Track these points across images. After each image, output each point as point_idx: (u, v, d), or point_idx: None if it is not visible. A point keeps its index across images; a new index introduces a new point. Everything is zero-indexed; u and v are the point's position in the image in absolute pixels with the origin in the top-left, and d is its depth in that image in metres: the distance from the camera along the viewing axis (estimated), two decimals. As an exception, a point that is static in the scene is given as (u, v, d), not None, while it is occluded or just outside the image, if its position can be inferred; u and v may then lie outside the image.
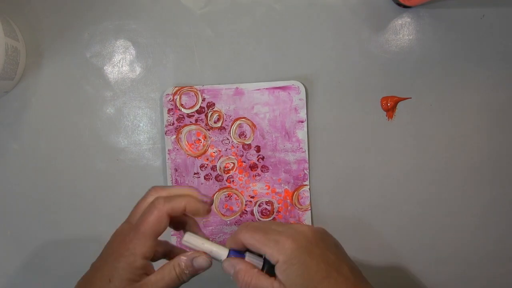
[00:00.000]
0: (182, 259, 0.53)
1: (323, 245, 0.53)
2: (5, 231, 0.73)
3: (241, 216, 0.72)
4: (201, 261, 0.54)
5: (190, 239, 0.54)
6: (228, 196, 0.72)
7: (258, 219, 0.72)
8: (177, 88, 0.72)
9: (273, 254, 0.51)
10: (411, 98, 0.72)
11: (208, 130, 0.72)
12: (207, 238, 0.54)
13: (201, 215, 0.55)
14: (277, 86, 0.71)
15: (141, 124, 0.73)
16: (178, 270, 0.53)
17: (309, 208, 0.71)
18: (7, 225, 0.73)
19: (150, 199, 0.54)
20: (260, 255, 0.53)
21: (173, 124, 0.71)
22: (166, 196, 0.54)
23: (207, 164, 0.72)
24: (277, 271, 0.51)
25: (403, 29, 0.72)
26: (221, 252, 0.53)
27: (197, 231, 0.56)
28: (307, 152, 0.71)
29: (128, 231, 0.53)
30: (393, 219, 0.73)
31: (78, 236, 0.73)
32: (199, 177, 0.72)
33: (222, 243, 0.54)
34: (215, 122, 0.72)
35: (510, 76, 0.71)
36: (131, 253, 0.51)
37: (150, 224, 0.52)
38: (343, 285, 0.51)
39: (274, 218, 0.72)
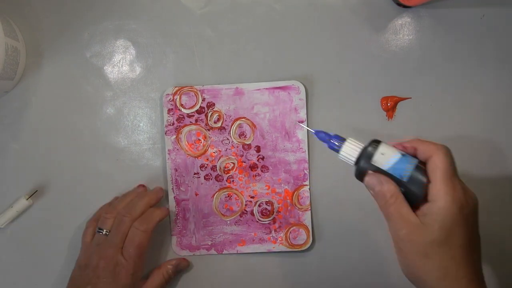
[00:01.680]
0: (169, 267, 0.70)
1: (476, 219, 0.50)
2: (5, 231, 0.73)
3: (241, 216, 0.72)
4: (183, 264, 0.72)
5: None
6: (228, 196, 0.72)
7: (258, 220, 0.72)
8: (177, 88, 0.72)
9: (440, 191, 0.49)
10: (411, 98, 0.72)
11: (208, 130, 0.72)
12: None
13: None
14: (277, 86, 0.71)
15: (141, 124, 0.73)
16: (166, 276, 0.70)
17: (309, 208, 0.71)
18: (7, 225, 0.72)
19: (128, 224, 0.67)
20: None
21: (173, 124, 0.71)
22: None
23: (207, 164, 0.72)
24: (431, 210, 0.49)
25: (403, 29, 0.72)
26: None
27: None
28: (307, 152, 0.71)
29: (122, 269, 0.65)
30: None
31: (78, 236, 0.73)
32: (199, 177, 0.72)
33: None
34: (215, 122, 0.72)
35: (510, 76, 0.71)
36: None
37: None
38: (472, 266, 0.49)
39: (274, 218, 0.72)
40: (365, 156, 0.51)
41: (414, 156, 0.52)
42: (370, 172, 0.52)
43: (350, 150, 0.52)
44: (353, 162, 0.53)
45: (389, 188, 0.50)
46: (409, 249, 0.50)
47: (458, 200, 0.48)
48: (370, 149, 0.51)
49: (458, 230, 0.48)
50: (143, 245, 0.66)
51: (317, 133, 0.55)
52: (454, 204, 0.48)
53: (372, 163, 0.51)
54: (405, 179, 0.50)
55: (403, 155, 0.51)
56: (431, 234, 0.48)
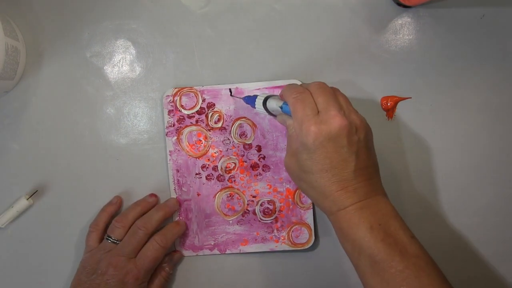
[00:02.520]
0: (164, 265, 0.71)
1: (344, 140, 0.57)
2: (5, 231, 0.73)
3: (243, 216, 0.72)
4: (176, 257, 0.72)
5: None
6: (230, 196, 0.72)
7: (260, 219, 0.72)
8: (177, 89, 0.72)
9: (296, 129, 0.59)
10: (411, 98, 0.72)
11: (209, 130, 0.72)
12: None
13: None
14: (277, 85, 0.71)
15: (141, 124, 0.73)
16: (165, 275, 0.71)
17: (311, 207, 0.72)
18: (8, 225, 0.72)
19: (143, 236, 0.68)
20: None
21: (173, 125, 0.72)
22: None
23: (208, 165, 0.72)
24: (298, 144, 0.59)
25: (403, 29, 0.72)
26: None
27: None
28: (307, 151, 0.72)
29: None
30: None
31: (78, 236, 0.73)
32: (201, 177, 0.72)
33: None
34: (215, 123, 0.72)
35: (510, 76, 0.72)
36: None
37: None
38: (337, 183, 0.57)
39: (276, 218, 0.72)
40: (266, 108, 0.66)
41: None
42: (278, 114, 0.65)
43: (259, 108, 0.66)
44: (265, 113, 0.67)
45: (289, 122, 0.62)
46: (289, 173, 0.63)
47: (308, 135, 0.57)
48: (266, 105, 0.66)
49: (316, 157, 0.57)
50: (158, 259, 0.68)
51: (244, 98, 0.70)
52: (305, 138, 0.57)
53: (271, 111, 0.66)
54: None
55: (284, 102, 0.63)
56: (299, 164, 0.59)
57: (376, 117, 0.72)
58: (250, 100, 0.68)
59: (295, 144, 0.60)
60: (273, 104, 0.64)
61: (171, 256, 0.72)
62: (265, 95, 0.66)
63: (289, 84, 0.64)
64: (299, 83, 0.71)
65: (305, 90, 0.60)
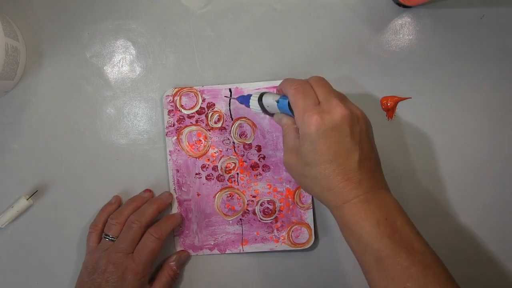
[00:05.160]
0: (172, 264, 0.71)
1: (347, 130, 0.57)
2: (5, 231, 0.73)
3: (243, 216, 0.72)
4: (184, 256, 0.72)
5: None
6: (230, 195, 0.72)
7: (260, 219, 0.72)
8: (176, 89, 0.72)
9: (297, 120, 0.58)
10: (411, 98, 0.72)
11: (209, 130, 0.72)
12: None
13: None
14: (277, 85, 0.71)
15: (141, 124, 0.73)
16: (172, 273, 0.71)
17: (311, 207, 0.72)
18: (8, 225, 0.72)
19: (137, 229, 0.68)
20: None
21: (173, 125, 0.72)
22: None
23: (208, 165, 0.72)
24: (300, 137, 0.59)
25: (403, 29, 0.72)
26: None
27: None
28: (307, 151, 0.72)
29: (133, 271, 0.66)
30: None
31: (78, 236, 0.73)
32: (201, 177, 0.72)
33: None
34: (215, 123, 0.72)
35: (510, 76, 0.72)
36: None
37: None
38: (341, 174, 0.57)
39: (276, 218, 0.72)
40: (263, 107, 0.65)
41: None
42: (275, 113, 0.65)
43: (254, 106, 0.66)
44: (259, 111, 0.67)
45: (285, 121, 0.63)
46: (290, 171, 0.62)
47: (311, 124, 0.56)
48: (262, 101, 0.65)
49: (319, 148, 0.56)
50: (155, 252, 0.68)
51: (238, 98, 0.70)
52: (308, 128, 0.57)
53: (269, 111, 0.65)
54: (292, 115, 0.61)
55: (281, 96, 0.63)
56: (301, 158, 0.58)
57: (376, 117, 0.72)
58: (244, 99, 0.68)
59: (293, 141, 0.60)
60: (269, 99, 0.64)
61: (179, 255, 0.72)
62: (260, 93, 0.66)
63: (286, 78, 0.64)
64: (297, 81, 0.71)
65: (305, 81, 0.60)
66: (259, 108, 0.66)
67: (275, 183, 0.72)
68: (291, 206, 0.72)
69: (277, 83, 0.71)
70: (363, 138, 0.58)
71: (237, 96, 0.70)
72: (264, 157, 0.72)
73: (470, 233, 0.73)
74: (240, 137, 0.72)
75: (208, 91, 0.72)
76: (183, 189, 0.72)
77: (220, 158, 0.72)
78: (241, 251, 0.72)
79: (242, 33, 0.73)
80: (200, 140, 0.72)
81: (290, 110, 0.61)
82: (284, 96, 0.62)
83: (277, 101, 0.63)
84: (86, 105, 0.73)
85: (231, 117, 0.72)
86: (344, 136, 0.56)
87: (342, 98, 0.60)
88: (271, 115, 0.67)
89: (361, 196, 0.56)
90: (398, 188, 0.72)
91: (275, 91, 0.68)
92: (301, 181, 0.61)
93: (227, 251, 0.73)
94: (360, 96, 0.72)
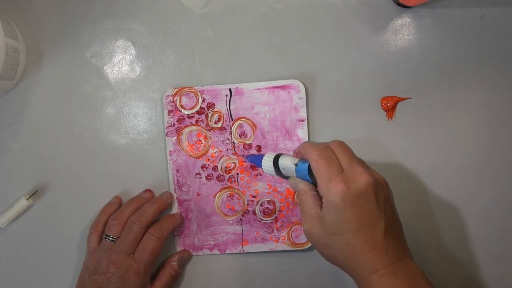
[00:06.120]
0: (174, 264, 0.71)
1: (372, 198, 0.55)
2: (5, 231, 0.73)
3: (243, 216, 0.72)
4: (186, 255, 0.73)
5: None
6: (230, 196, 0.72)
7: (260, 219, 0.72)
8: (176, 90, 0.72)
9: (321, 188, 0.56)
10: (411, 98, 0.72)
11: (209, 130, 0.72)
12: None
13: None
14: (277, 85, 0.71)
15: (141, 124, 0.73)
16: (173, 273, 0.71)
17: (311, 207, 0.72)
18: (8, 225, 0.72)
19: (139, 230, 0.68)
20: None
21: (173, 125, 0.72)
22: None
23: (208, 165, 0.72)
24: (323, 205, 0.56)
25: (403, 29, 0.72)
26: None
27: None
28: (307, 151, 0.72)
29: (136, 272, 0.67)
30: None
31: (78, 236, 0.73)
32: (201, 177, 0.72)
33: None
34: (215, 123, 0.72)
35: (509, 76, 0.72)
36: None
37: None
38: (368, 243, 0.55)
39: (276, 218, 0.72)
40: (277, 168, 0.62)
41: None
42: (290, 177, 0.62)
43: (267, 167, 0.63)
44: (272, 173, 0.63)
45: (301, 187, 0.59)
46: (312, 240, 0.59)
47: (336, 193, 0.54)
48: (279, 163, 0.62)
49: (345, 217, 0.54)
50: (156, 251, 0.68)
51: (247, 157, 0.70)
52: (334, 196, 0.55)
53: (284, 173, 0.62)
54: (310, 180, 0.59)
55: (300, 160, 0.60)
56: (325, 227, 0.56)
57: (376, 117, 0.72)
58: (256, 159, 0.66)
59: (313, 208, 0.58)
60: (287, 162, 0.61)
61: (181, 254, 0.72)
62: (274, 154, 0.63)
63: (306, 142, 0.62)
64: (299, 83, 0.71)
65: (327, 147, 0.58)
66: (272, 169, 0.62)
67: (275, 183, 0.72)
68: (291, 206, 0.72)
69: (277, 83, 0.71)
70: (387, 205, 0.57)
71: (247, 155, 0.71)
72: (264, 157, 0.72)
73: (469, 233, 0.73)
74: (240, 137, 0.72)
75: (208, 91, 0.72)
76: (183, 189, 0.72)
77: (220, 158, 0.72)
78: (241, 251, 0.73)
79: (242, 33, 0.73)
80: (200, 140, 0.72)
81: (308, 175, 0.59)
82: (303, 160, 0.60)
83: (296, 165, 0.60)
84: (86, 105, 0.73)
85: (231, 117, 0.72)
86: (369, 204, 0.55)
87: (363, 164, 0.58)
88: (284, 177, 0.63)
89: (388, 267, 0.55)
90: (396, 188, 0.72)
91: (292, 153, 0.65)
92: (324, 251, 0.58)
93: (227, 251, 0.73)
94: (360, 96, 0.72)
